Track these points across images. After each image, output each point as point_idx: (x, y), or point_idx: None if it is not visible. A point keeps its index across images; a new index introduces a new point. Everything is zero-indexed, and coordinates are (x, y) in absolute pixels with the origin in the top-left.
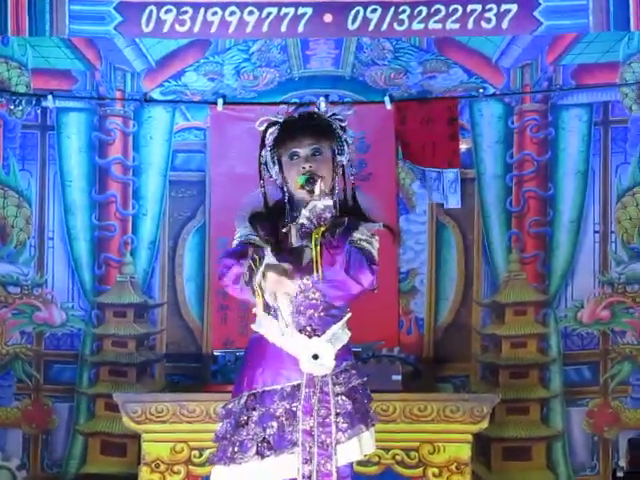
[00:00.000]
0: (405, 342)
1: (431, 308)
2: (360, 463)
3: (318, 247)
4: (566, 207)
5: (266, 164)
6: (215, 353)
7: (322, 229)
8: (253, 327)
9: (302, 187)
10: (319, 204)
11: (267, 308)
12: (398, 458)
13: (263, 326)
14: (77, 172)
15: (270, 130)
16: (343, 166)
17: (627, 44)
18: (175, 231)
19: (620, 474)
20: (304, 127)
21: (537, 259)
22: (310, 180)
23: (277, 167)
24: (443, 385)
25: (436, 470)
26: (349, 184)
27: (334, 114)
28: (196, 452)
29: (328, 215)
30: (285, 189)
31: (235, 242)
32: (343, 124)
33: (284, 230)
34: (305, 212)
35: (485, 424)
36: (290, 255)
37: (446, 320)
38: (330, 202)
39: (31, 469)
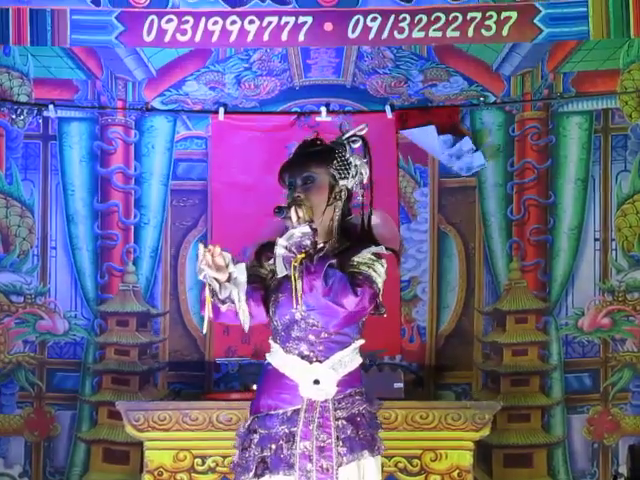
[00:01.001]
0: (407, 350)
1: (433, 316)
2: None
3: (296, 274)
4: (566, 215)
5: None
6: (217, 361)
7: (300, 257)
8: (267, 357)
9: (276, 214)
10: (296, 232)
11: (275, 335)
12: (400, 465)
13: (272, 354)
14: (79, 181)
15: None
16: (349, 190)
17: (627, 52)
18: (177, 240)
19: None
20: (299, 155)
21: (538, 267)
22: (280, 209)
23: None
24: (445, 393)
25: (438, 477)
26: (365, 208)
27: (343, 138)
28: (199, 460)
29: (307, 242)
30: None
31: None
32: (352, 145)
33: (270, 262)
34: (282, 241)
35: (487, 431)
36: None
37: (448, 328)
38: (307, 229)
39: (33, 477)
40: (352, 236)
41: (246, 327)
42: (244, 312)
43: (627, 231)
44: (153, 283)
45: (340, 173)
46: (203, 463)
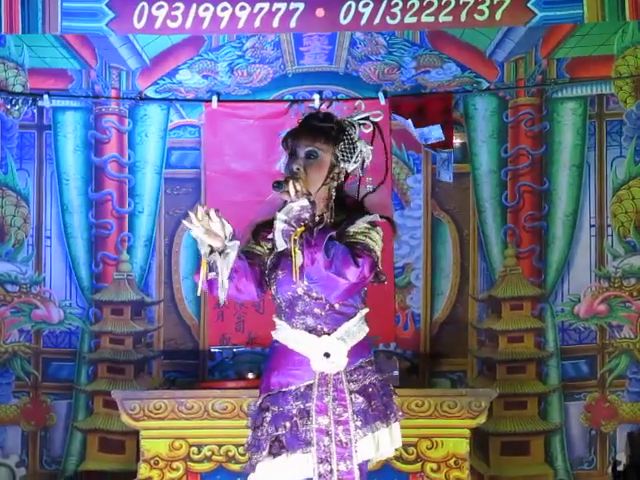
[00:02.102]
0: (401, 337)
1: (427, 303)
2: None
3: (296, 248)
4: (562, 201)
5: None
6: (212, 350)
7: (300, 230)
8: (273, 334)
9: (274, 189)
10: (295, 205)
11: (279, 311)
12: (396, 453)
13: (278, 331)
14: (73, 171)
15: None
16: (347, 173)
17: (621, 37)
18: (171, 228)
19: (620, 468)
20: (309, 127)
21: (533, 253)
22: (278, 183)
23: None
24: (440, 380)
25: (434, 465)
26: (362, 189)
27: (355, 118)
28: (195, 449)
29: (306, 215)
30: None
31: None
32: (363, 129)
33: (269, 236)
34: (281, 215)
35: (483, 419)
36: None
37: (442, 315)
38: (306, 202)
39: (30, 466)
40: (346, 209)
41: (221, 300)
42: (223, 286)
43: (623, 217)
44: (147, 272)
45: (344, 155)
46: (199, 452)
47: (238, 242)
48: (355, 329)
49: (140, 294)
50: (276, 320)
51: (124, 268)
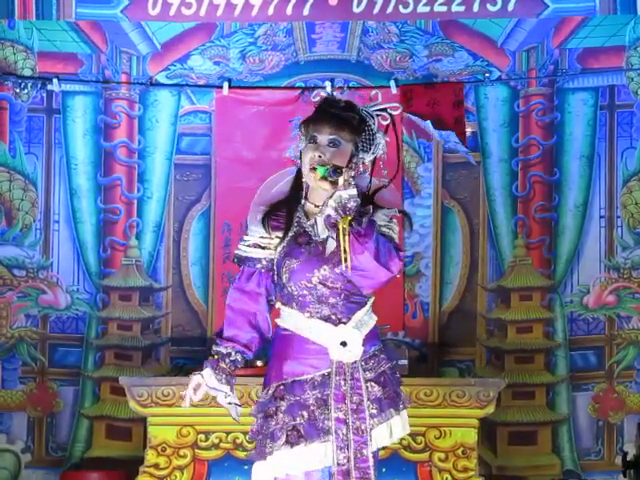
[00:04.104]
0: (410, 326)
1: (436, 292)
2: None
3: (346, 236)
4: (572, 192)
5: None
6: None
7: (349, 218)
8: (278, 322)
9: (324, 179)
10: (344, 194)
11: (289, 300)
12: (404, 443)
13: (288, 319)
14: (83, 155)
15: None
16: (363, 163)
17: (633, 28)
18: (180, 214)
19: (630, 458)
20: (332, 114)
21: (543, 244)
22: (333, 171)
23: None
24: (448, 369)
25: (442, 455)
26: (374, 181)
27: (374, 111)
28: (202, 436)
29: (353, 204)
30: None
31: (240, 247)
32: (381, 121)
33: (309, 223)
34: (331, 202)
35: (491, 409)
36: (308, 246)
37: (451, 304)
38: (355, 191)
39: (36, 452)
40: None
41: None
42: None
43: (633, 208)
44: (156, 258)
45: (364, 146)
46: (207, 439)
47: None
48: (367, 317)
49: (148, 280)
50: (284, 308)
51: (132, 254)
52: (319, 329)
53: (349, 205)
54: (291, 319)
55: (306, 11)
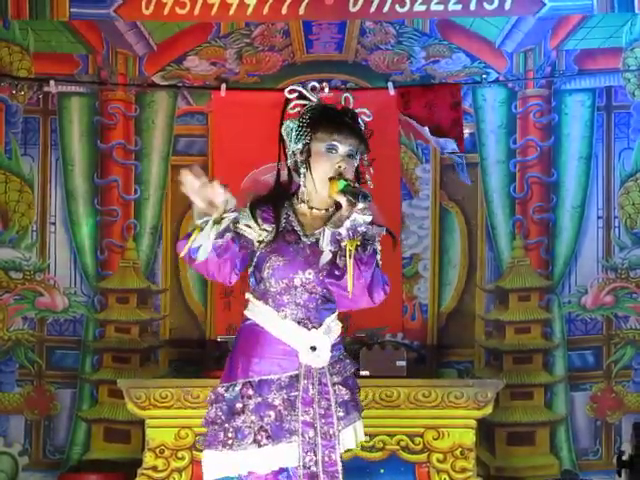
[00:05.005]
0: (409, 328)
1: (434, 294)
2: (364, 449)
3: (350, 260)
4: (569, 193)
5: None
6: (219, 339)
7: (356, 243)
8: (248, 314)
9: (343, 192)
10: (360, 219)
11: (264, 295)
12: (403, 444)
13: (259, 314)
14: (79, 157)
15: (310, 107)
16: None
17: (630, 30)
18: (178, 216)
19: (625, 458)
20: (351, 126)
21: (541, 245)
22: (363, 197)
23: (301, 147)
24: (447, 370)
25: (440, 456)
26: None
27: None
28: (201, 437)
29: (363, 230)
30: (303, 173)
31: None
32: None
33: (317, 231)
34: (348, 223)
35: (489, 409)
36: (296, 246)
37: (450, 306)
38: (370, 218)
39: (33, 455)
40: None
41: (200, 258)
42: (205, 250)
43: (630, 208)
44: (153, 260)
45: (361, 157)
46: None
47: (236, 214)
48: (334, 324)
49: (146, 282)
50: (256, 302)
51: (130, 256)
52: (292, 331)
53: (360, 229)
54: (262, 315)
55: (302, 10)
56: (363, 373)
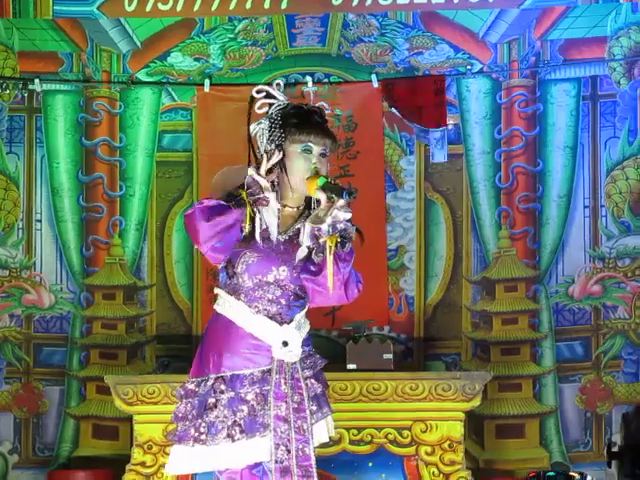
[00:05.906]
0: (395, 320)
1: (421, 286)
2: (352, 442)
3: (330, 256)
4: (555, 182)
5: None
6: None
7: (336, 239)
8: (216, 308)
9: (322, 189)
10: (341, 216)
11: (236, 290)
12: (391, 437)
13: (230, 309)
14: (64, 154)
15: (279, 107)
16: None
17: (615, 19)
18: (163, 212)
19: (615, 449)
20: (322, 126)
21: (527, 235)
22: (348, 194)
23: (274, 148)
24: (435, 363)
25: (429, 448)
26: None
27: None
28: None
29: (342, 226)
30: (280, 172)
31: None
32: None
33: (297, 226)
34: (328, 219)
35: (477, 402)
36: (270, 242)
37: (436, 297)
38: (350, 216)
39: (23, 453)
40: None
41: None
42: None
43: (617, 197)
44: (139, 256)
45: (332, 152)
46: None
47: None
48: (303, 320)
49: (132, 278)
50: (227, 297)
51: (116, 252)
52: (264, 326)
53: (339, 226)
54: (234, 310)
55: (284, 4)
56: (350, 366)
